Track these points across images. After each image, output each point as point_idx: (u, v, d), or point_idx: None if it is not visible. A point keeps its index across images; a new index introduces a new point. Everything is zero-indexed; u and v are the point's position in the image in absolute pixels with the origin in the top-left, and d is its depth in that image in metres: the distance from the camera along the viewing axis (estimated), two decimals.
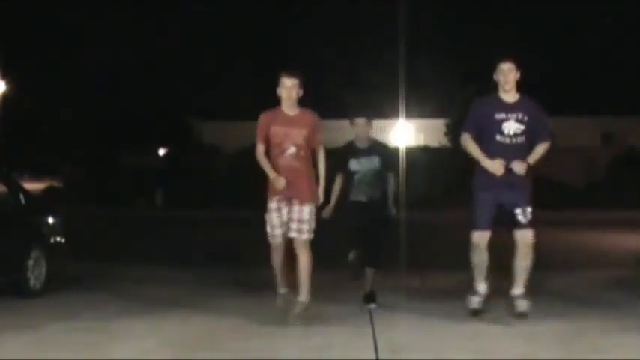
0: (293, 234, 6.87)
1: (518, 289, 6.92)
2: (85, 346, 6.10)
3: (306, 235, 6.84)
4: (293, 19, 45.92)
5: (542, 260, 10.92)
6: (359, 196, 7.63)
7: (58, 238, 9.48)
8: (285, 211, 6.87)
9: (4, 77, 26.61)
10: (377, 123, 7.78)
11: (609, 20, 43.69)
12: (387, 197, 7.69)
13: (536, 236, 6.91)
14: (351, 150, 7.68)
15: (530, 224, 6.86)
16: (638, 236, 16.92)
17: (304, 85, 6.87)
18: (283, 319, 7.02)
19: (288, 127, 6.80)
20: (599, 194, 34.03)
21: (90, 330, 6.70)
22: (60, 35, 42.14)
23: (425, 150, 36.69)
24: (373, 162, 7.60)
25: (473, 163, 6.94)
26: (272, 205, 6.90)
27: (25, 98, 33.72)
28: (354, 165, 7.63)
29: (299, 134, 6.81)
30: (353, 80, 39.53)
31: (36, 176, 37.62)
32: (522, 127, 6.79)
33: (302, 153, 6.83)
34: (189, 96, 43.05)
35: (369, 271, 7.70)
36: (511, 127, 6.79)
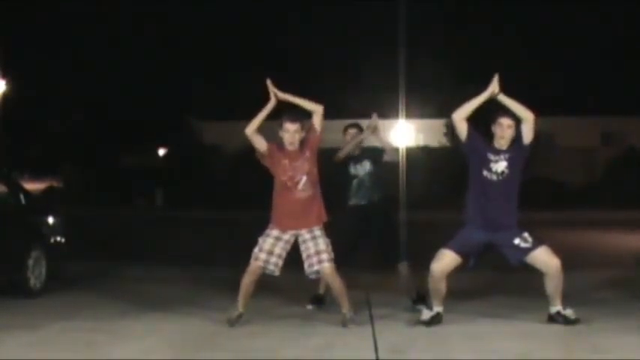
0: (316, 267, 6.85)
1: (557, 307, 6.82)
2: (85, 346, 6.10)
3: (327, 264, 6.82)
4: (293, 18, 45.94)
5: None
6: (360, 200, 7.69)
7: (58, 238, 9.48)
8: (283, 245, 6.87)
9: (4, 77, 26.57)
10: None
11: (609, 20, 43.69)
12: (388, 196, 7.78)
13: (551, 248, 6.87)
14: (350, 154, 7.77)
15: (538, 243, 6.81)
16: (638, 236, 16.92)
17: (304, 127, 6.94)
18: (282, 319, 7.03)
19: (294, 161, 6.89)
20: (599, 194, 34.01)
21: (90, 330, 6.70)
22: (60, 35, 42.14)
23: (425, 150, 36.72)
24: (365, 166, 7.71)
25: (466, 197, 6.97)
26: (273, 232, 6.91)
27: (25, 98, 33.71)
28: (352, 169, 7.74)
29: (304, 162, 6.89)
30: (353, 80, 39.57)
31: (36, 176, 37.62)
32: (509, 164, 6.83)
33: (312, 177, 6.90)
34: (189, 96, 43.05)
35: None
36: (500, 166, 6.83)
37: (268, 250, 6.86)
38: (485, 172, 6.84)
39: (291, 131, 6.89)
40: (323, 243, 6.86)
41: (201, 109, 42.56)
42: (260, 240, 6.91)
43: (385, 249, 7.71)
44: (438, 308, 6.89)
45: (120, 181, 38.06)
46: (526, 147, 6.89)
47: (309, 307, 7.70)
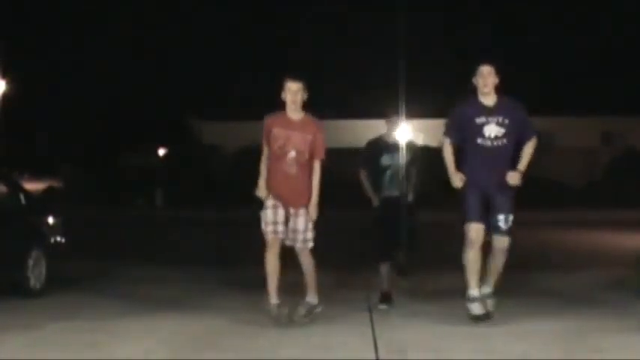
0: (290, 243, 6.91)
1: (488, 288, 6.97)
2: (85, 346, 6.10)
3: (300, 244, 6.88)
4: (293, 19, 45.93)
5: (541, 260, 10.93)
6: (393, 191, 7.68)
7: (58, 238, 9.48)
8: (281, 212, 6.86)
9: (4, 77, 26.58)
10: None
11: (609, 20, 43.71)
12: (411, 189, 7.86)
13: (512, 243, 6.95)
14: (382, 145, 7.77)
15: (509, 232, 6.89)
16: (638, 236, 16.92)
17: (308, 88, 6.87)
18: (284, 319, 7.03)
19: (290, 130, 6.80)
20: (599, 194, 34.03)
21: (90, 330, 6.70)
22: (61, 35, 42.16)
23: (424, 150, 36.73)
24: (398, 158, 7.71)
25: (460, 161, 6.98)
26: (269, 202, 6.87)
27: (25, 98, 33.73)
28: (386, 160, 7.69)
29: (301, 139, 6.80)
30: (353, 80, 39.61)
31: (36, 176, 37.64)
32: (503, 130, 6.81)
33: (302, 159, 6.82)
34: (190, 96, 43.10)
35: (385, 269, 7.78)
36: (492, 130, 6.80)
37: (273, 221, 6.83)
38: (479, 140, 6.81)
39: (293, 90, 6.78)
40: (303, 223, 6.85)
41: (201, 109, 42.60)
42: (262, 215, 6.89)
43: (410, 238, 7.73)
44: (476, 291, 6.89)
45: (120, 181, 38.10)
46: (524, 113, 6.90)
47: (381, 307, 7.61)
